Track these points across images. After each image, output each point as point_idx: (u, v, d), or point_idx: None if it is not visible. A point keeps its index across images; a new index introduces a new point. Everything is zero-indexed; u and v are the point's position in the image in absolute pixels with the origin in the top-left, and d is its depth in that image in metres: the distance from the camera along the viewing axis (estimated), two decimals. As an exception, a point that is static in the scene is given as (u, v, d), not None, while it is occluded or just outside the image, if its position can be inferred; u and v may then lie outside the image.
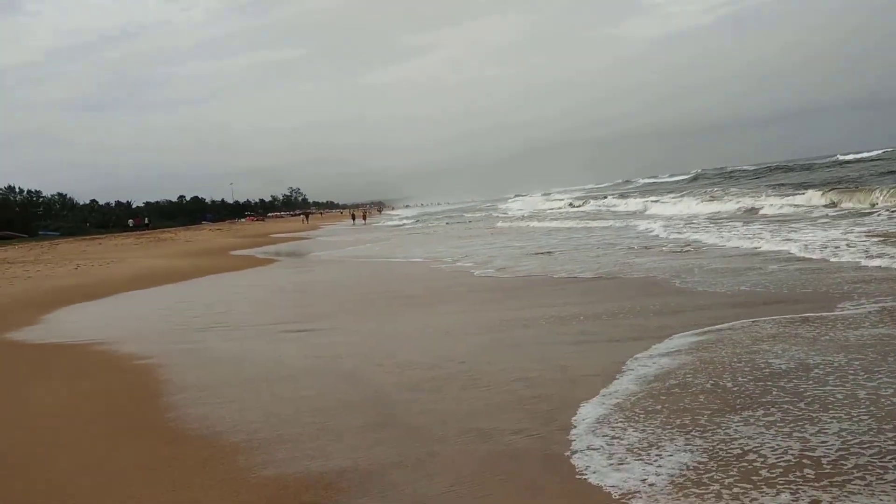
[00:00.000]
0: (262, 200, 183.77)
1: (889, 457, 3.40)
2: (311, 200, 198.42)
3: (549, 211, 45.88)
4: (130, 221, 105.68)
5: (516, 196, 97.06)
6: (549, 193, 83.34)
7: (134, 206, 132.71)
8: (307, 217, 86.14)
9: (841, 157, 58.30)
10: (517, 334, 7.33)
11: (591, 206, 44.61)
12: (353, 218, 74.35)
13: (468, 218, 49.14)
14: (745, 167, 67.05)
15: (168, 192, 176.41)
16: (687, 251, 13.64)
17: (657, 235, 18.00)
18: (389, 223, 56.99)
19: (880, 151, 58.08)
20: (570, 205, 49.45)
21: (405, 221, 55.96)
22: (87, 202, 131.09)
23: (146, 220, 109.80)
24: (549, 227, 26.89)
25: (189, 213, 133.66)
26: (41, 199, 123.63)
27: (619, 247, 15.98)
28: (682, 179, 69.79)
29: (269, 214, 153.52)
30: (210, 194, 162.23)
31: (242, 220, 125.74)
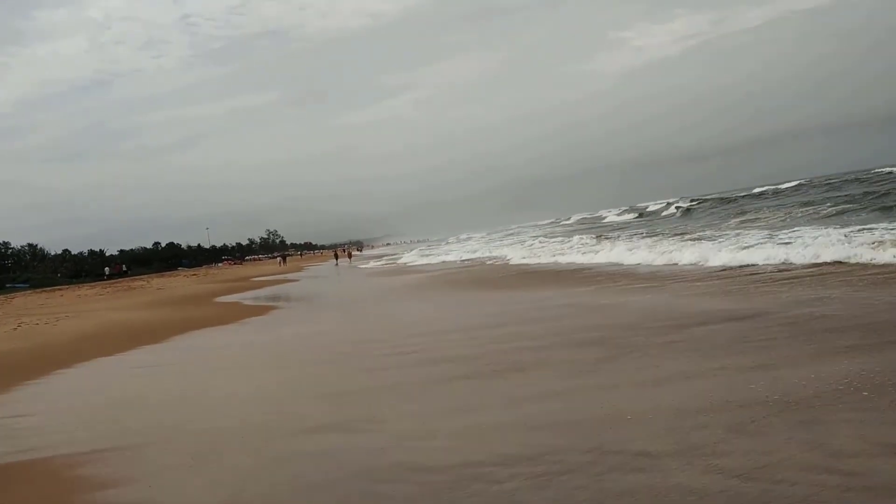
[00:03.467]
0: (239, 244, 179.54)
1: None
2: (288, 242, 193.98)
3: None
4: (107, 269, 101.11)
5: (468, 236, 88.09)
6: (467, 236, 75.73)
7: (108, 255, 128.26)
8: (284, 259, 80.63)
9: (758, 189, 53.31)
10: (745, 457, 3.73)
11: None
12: (337, 258, 69.48)
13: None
14: (707, 196, 62.40)
15: (143, 240, 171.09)
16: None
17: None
18: (374, 264, 52.87)
19: (795, 183, 52.46)
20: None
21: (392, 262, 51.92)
22: (59, 252, 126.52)
23: (124, 268, 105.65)
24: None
25: (165, 259, 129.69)
26: (10, 251, 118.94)
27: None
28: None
29: (247, 258, 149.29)
30: (186, 240, 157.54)
31: (220, 264, 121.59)
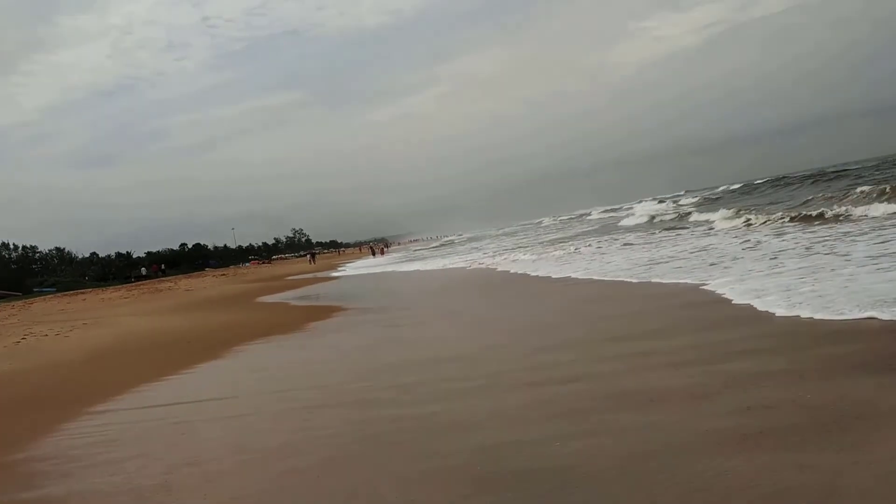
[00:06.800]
0: (265, 244, 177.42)
1: None
2: (314, 241, 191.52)
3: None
4: (143, 269, 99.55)
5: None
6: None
7: (135, 257, 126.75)
8: (314, 258, 77.77)
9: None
10: None
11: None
12: (374, 253, 71.30)
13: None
14: (730, 186, 57.05)
15: (169, 241, 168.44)
16: None
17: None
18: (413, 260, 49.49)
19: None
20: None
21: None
22: (87, 256, 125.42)
23: (162, 267, 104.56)
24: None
25: (191, 260, 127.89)
26: (37, 255, 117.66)
27: None
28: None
29: (274, 257, 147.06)
30: (212, 241, 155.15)
31: (247, 264, 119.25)
